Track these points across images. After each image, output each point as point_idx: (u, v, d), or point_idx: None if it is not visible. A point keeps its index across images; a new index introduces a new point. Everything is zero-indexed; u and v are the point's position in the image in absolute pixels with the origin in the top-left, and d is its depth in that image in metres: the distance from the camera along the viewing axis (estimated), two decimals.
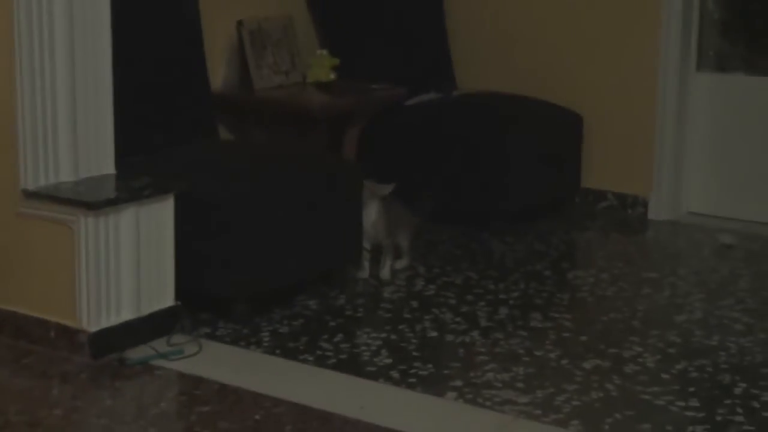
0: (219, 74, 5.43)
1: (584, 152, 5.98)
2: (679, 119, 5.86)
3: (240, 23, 5.42)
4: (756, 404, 3.74)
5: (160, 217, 4.13)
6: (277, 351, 4.11)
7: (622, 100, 5.92)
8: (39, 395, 3.71)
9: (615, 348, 4.17)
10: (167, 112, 4.77)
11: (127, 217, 4.02)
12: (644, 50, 5.83)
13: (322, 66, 5.62)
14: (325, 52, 5.67)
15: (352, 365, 4.00)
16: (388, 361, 4.04)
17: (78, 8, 3.97)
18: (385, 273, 4.81)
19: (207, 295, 4.38)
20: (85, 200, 3.94)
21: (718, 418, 3.63)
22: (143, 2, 4.77)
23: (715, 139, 5.90)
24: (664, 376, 3.96)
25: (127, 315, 4.07)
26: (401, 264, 4.96)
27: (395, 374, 3.92)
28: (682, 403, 3.73)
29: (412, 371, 3.95)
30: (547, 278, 4.98)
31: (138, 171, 4.21)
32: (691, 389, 3.84)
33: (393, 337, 4.26)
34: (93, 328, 3.98)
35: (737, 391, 3.83)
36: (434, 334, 4.31)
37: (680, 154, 5.89)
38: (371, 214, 4.76)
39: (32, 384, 3.80)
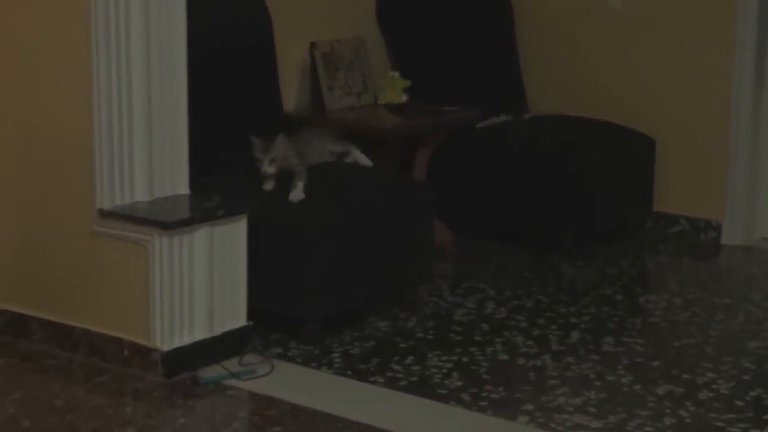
0: (291, 95, 5.47)
1: (657, 176, 5.94)
2: (753, 143, 5.80)
3: (313, 45, 5.45)
4: None
5: (233, 237, 4.15)
6: (349, 372, 4.11)
7: (695, 123, 5.88)
8: (113, 413, 3.74)
9: (688, 374, 4.14)
10: (241, 132, 4.79)
11: (200, 237, 4.05)
12: (718, 73, 5.78)
13: (393, 88, 5.64)
14: (396, 74, 5.69)
15: (423, 387, 3.99)
16: (459, 383, 4.03)
17: (154, 30, 4.01)
18: (295, 195, 4.44)
19: (279, 316, 4.40)
20: (160, 220, 3.97)
21: None
22: (218, 24, 4.82)
23: None
24: (739, 403, 3.91)
25: (199, 334, 4.09)
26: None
27: (466, 397, 3.91)
28: (757, 431, 3.68)
29: (484, 394, 3.94)
30: (618, 302, 4.95)
31: (212, 191, 4.24)
32: (766, 417, 3.79)
33: (464, 359, 4.25)
34: (166, 347, 4.00)
35: None
36: (505, 357, 4.30)
37: (754, 179, 5.83)
38: (280, 148, 4.52)
39: (106, 402, 3.83)
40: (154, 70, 4.03)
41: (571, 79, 6.24)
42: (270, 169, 4.45)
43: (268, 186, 4.45)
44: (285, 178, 4.46)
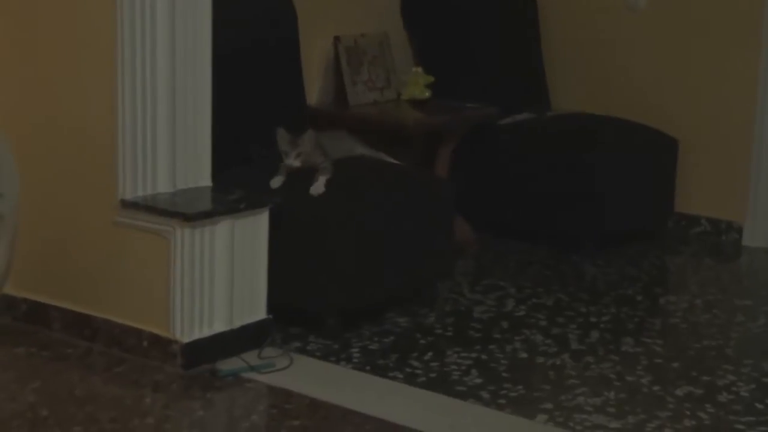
0: (315, 90, 5.47)
1: (679, 177, 5.92)
2: None
3: (337, 39, 5.45)
4: None
5: (254, 230, 4.15)
6: (367, 367, 4.11)
7: (718, 124, 5.86)
8: (131, 404, 3.74)
9: (708, 376, 4.12)
10: (263, 126, 4.79)
11: (222, 229, 4.05)
12: (743, 73, 5.76)
13: (416, 83, 5.63)
14: (420, 69, 5.68)
15: (441, 384, 3.99)
16: (478, 381, 4.02)
17: (179, 23, 4.01)
18: (316, 188, 4.38)
19: (298, 310, 4.40)
20: (182, 212, 3.97)
21: None
22: (243, 18, 4.81)
23: None
24: (759, 405, 3.89)
25: (219, 327, 4.09)
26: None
27: (485, 395, 3.90)
28: None
29: (503, 392, 3.93)
30: (638, 303, 4.93)
31: (234, 184, 4.24)
32: None
33: (483, 357, 4.24)
34: (185, 339, 4.00)
35: None
36: (524, 355, 4.29)
37: None
38: (307, 143, 4.47)
39: (125, 392, 3.83)
40: (178, 62, 4.03)
41: (594, 77, 6.23)
42: (296, 163, 4.43)
43: (276, 183, 4.41)
44: (296, 177, 4.42)
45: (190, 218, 3.95)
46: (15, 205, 3.68)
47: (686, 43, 5.93)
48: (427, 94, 5.62)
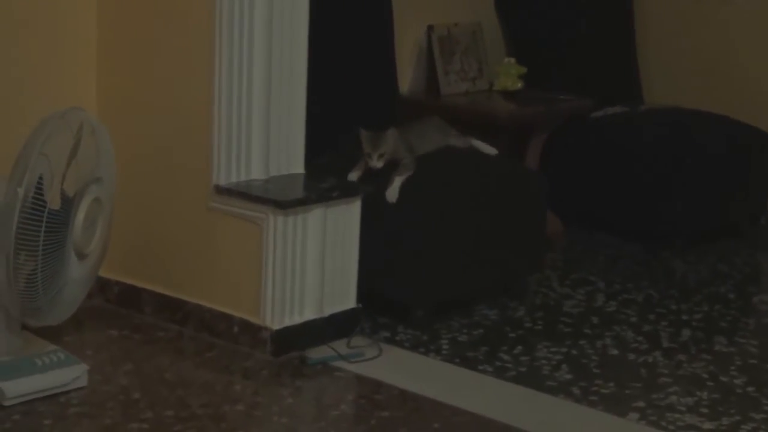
0: (406, 78, 5.45)
1: None
2: None
3: (430, 28, 5.43)
4: None
5: (346, 219, 4.14)
6: (457, 360, 4.09)
7: None
8: (222, 390, 3.75)
9: None
10: (355, 113, 4.79)
11: (314, 217, 4.04)
12: None
13: (509, 74, 5.59)
14: (512, 60, 5.64)
15: (531, 379, 3.95)
16: (569, 376, 3.98)
17: (277, 14, 4.00)
18: (391, 194, 4.29)
19: (387, 300, 4.38)
20: (275, 199, 3.97)
21: None
22: (336, 5, 4.80)
23: None
24: None
25: (309, 314, 4.09)
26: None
27: (576, 391, 3.86)
28: None
29: (594, 389, 3.89)
30: (731, 301, 4.86)
31: (326, 172, 4.23)
32: None
33: (573, 352, 4.20)
34: (276, 326, 4.01)
35: None
36: (615, 352, 4.24)
37: None
38: (389, 142, 4.34)
39: (215, 378, 3.84)
40: (274, 51, 4.02)
41: (687, 71, 6.15)
42: (378, 164, 4.32)
43: (353, 176, 4.33)
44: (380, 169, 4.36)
45: (283, 205, 3.95)
46: (112, 190, 3.71)
47: None
48: (519, 85, 5.58)
